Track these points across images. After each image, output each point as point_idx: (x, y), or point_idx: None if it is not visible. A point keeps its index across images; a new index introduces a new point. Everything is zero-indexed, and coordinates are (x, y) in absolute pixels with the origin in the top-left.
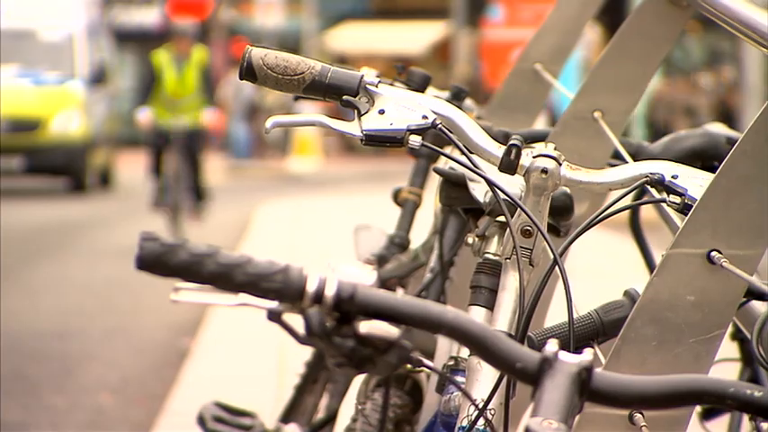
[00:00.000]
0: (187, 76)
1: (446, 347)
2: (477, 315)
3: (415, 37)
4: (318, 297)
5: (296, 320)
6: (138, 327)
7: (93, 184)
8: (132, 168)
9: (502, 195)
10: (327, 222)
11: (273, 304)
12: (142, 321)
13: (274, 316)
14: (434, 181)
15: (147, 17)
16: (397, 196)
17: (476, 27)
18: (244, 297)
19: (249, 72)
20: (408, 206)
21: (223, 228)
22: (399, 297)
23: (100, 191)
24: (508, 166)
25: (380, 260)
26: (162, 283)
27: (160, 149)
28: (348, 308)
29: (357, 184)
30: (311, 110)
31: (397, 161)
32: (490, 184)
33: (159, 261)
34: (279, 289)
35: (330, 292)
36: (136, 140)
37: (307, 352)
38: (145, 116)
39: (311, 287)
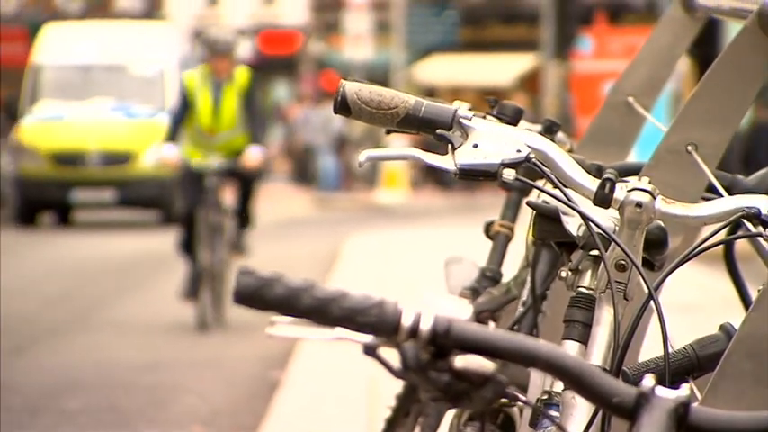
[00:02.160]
0: (226, 105)
1: (539, 381)
2: (571, 349)
3: (503, 69)
4: (414, 331)
5: (391, 354)
6: (228, 358)
7: None
8: None
9: (596, 229)
10: (416, 255)
11: (369, 338)
12: (233, 353)
13: (370, 350)
14: (526, 214)
15: (238, 50)
16: (488, 229)
17: (565, 59)
18: (339, 331)
19: (343, 106)
20: (500, 239)
21: (312, 259)
22: (494, 331)
23: None
24: (602, 199)
25: (472, 293)
26: (252, 315)
27: (192, 205)
28: (444, 342)
29: (445, 217)
30: (399, 142)
31: (485, 193)
32: (584, 217)
33: (256, 295)
34: (374, 323)
35: (426, 327)
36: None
37: (398, 384)
38: (171, 154)
39: (406, 321)
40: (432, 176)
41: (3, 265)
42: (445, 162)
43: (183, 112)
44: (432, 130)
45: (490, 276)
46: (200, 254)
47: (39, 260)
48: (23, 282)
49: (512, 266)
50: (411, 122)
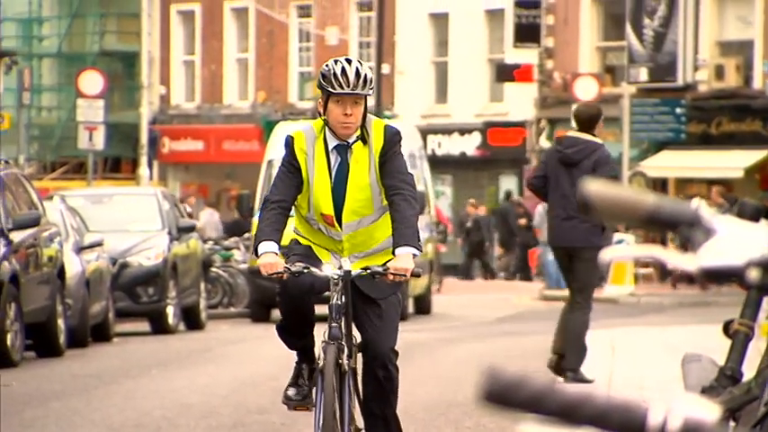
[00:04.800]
0: (357, 179)
1: None
2: None
3: (733, 163)
4: None
5: None
6: None
7: (411, 311)
8: (451, 292)
9: None
10: (647, 351)
11: None
12: None
13: None
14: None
15: (467, 144)
16: (727, 328)
17: None
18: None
19: (585, 205)
20: (739, 338)
21: (540, 355)
22: None
23: (418, 317)
24: None
25: (712, 392)
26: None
27: (305, 337)
28: None
29: (675, 312)
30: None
31: (716, 287)
32: None
33: (504, 396)
34: (622, 424)
35: (674, 428)
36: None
37: None
38: (269, 260)
39: (654, 422)
40: (658, 271)
41: (237, 358)
42: (687, 262)
43: (291, 190)
44: (673, 229)
45: (730, 375)
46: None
47: (273, 355)
48: (259, 376)
49: (752, 366)
50: (652, 221)
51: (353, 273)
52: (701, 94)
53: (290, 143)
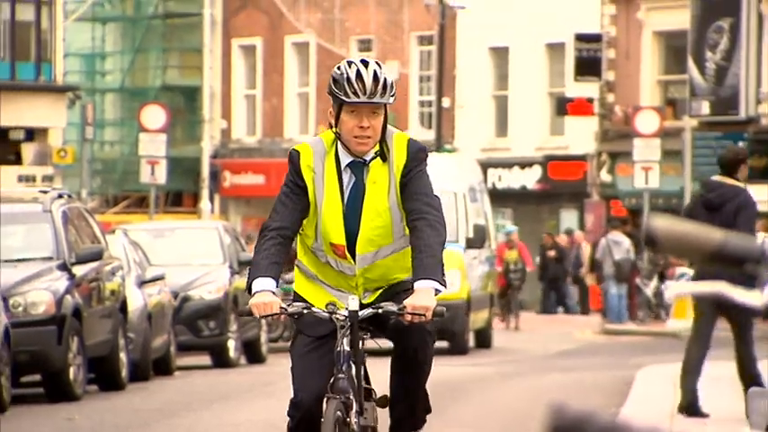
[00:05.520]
0: (374, 202)
1: None
2: None
3: None
4: None
5: None
6: None
7: (472, 345)
8: (526, 327)
9: None
10: (710, 385)
11: None
12: None
13: None
14: None
15: (527, 177)
16: None
17: None
18: None
19: (651, 240)
20: None
21: (601, 390)
22: None
23: (478, 352)
24: None
25: None
26: None
27: (315, 391)
28: None
29: None
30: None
31: None
32: None
33: None
34: None
35: None
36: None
37: None
38: (262, 300)
39: None
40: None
41: None
42: (753, 298)
43: (292, 216)
44: (739, 265)
45: None
46: None
47: None
48: None
49: None
50: (719, 258)
51: (362, 314)
52: (764, 127)
53: (294, 159)
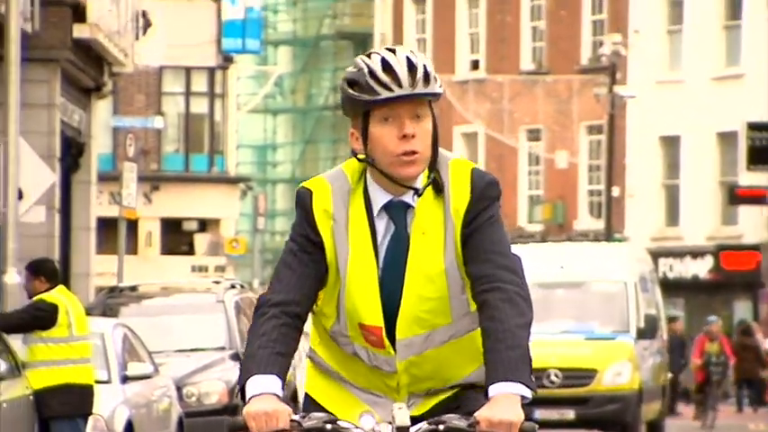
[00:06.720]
0: (424, 262)
1: None
2: None
3: None
4: None
5: None
6: None
7: None
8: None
9: None
10: None
11: None
12: None
13: None
14: None
15: (699, 267)
16: None
17: None
18: None
19: None
20: None
21: None
22: None
23: None
24: None
25: None
26: None
27: None
28: None
29: None
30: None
31: None
32: None
33: None
34: None
35: None
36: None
37: None
38: (263, 408)
39: None
40: None
41: None
42: None
43: (301, 285)
44: None
45: None
46: None
47: None
48: None
49: None
50: None
51: (414, 430)
52: None
53: (304, 201)
